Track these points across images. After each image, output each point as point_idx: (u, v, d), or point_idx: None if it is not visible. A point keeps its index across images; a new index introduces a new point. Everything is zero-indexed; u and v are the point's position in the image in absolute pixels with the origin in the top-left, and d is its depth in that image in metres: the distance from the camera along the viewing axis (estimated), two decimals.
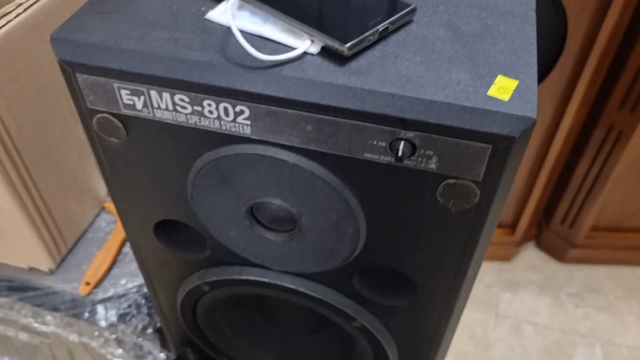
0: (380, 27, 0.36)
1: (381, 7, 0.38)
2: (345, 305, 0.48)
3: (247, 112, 0.36)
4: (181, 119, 0.38)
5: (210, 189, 0.42)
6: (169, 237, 0.51)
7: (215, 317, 0.58)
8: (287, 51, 0.35)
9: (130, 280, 0.68)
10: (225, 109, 0.36)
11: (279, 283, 0.48)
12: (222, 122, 0.37)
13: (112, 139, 0.42)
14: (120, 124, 0.40)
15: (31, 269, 0.69)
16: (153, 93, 0.37)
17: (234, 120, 0.37)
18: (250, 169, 0.39)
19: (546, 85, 1.01)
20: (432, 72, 0.35)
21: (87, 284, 0.67)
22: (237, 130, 0.37)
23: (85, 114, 0.40)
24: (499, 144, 0.33)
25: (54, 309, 0.68)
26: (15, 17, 0.54)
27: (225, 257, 0.50)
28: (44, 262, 0.67)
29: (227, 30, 0.38)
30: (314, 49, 0.36)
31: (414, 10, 0.38)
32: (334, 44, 0.35)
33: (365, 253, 0.43)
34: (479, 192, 0.36)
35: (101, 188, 0.74)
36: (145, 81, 0.36)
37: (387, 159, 0.36)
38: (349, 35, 0.35)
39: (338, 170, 0.38)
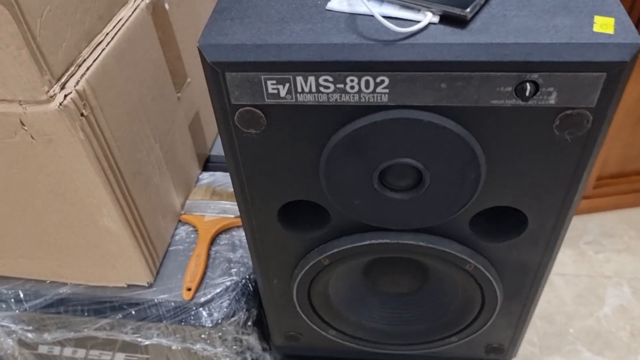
0: None
1: None
2: (460, 251, 0.54)
3: (386, 81, 0.41)
4: (322, 98, 0.43)
5: (344, 161, 0.47)
6: (291, 219, 0.56)
7: (326, 292, 0.63)
8: (412, 24, 0.41)
9: (225, 279, 0.73)
10: (367, 81, 0.42)
11: (399, 241, 0.54)
12: (362, 95, 0.43)
13: (251, 131, 0.46)
14: (262, 114, 0.45)
15: (129, 286, 0.72)
16: (299, 79, 0.42)
17: (373, 91, 0.42)
18: (385, 135, 0.45)
19: None
20: (540, 22, 0.41)
21: (189, 289, 0.70)
22: (375, 100, 0.43)
23: (228, 110, 0.45)
24: (613, 70, 0.39)
25: (158, 319, 0.71)
26: (106, 46, 0.58)
27: (344, 228, 0.55)
28: (143, 277, 0.71)
29: (350, 16, 0.43)
30: (436, 19, 0.42)
31: None
32: (455, 11, 0.41)
33: (484, 196, 0.49)
34: (591, 118, 0.42)
35: (177, 202, 0.78)
36: (293, 68, 0.42)
37: (512, 102, 0.42)
38: (464, 2, 0.41)
39: (466, 120, 0.43)
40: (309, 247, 0.57)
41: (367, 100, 0.43)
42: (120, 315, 0.71)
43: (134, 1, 0.64)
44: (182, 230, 0.78)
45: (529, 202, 0.50)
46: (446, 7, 0.41)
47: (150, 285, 0.72)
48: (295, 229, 0.56)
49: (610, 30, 0.39)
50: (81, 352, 0.81)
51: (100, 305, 0.72)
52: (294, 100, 0.44)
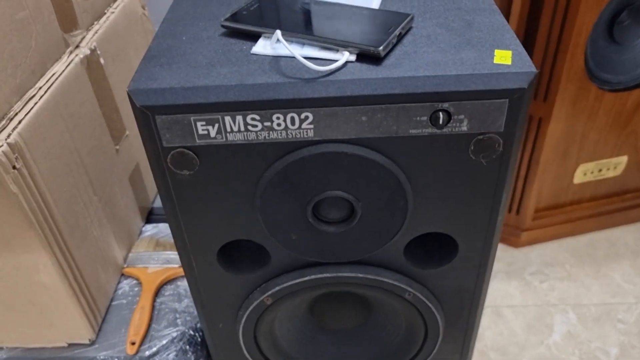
0: (397, 31, 0.46)
1: (389, 19, 0.48)
2: (398, 280, 0.56)
3: (311, 117, 0.44)
4: (251, 137, 0.45)
5: (278, 197, 0.49)
6: (231, 260, 0.56)
7: (273, 333, 0.63)
8: (331, 63, 0.44)
9: (171, 330, 0.71)
10: (292, 118, 0.44)
11: (338, 274, 0.55)
12: (289, 131, 0.45)
13: (184, 172, 0.47)
14: (194, 155, 0.46)
15: (70, 345, 0.70)
16: (227, 119, 0.44)
17: (299, 127, 0.44)
18: (314, 169, 0.47)
19: None
20: (447, 56, 0.45)
21: (133, 343, 0.69)
22: (302, 136, 0.45)
23: (160, 153, 0.46)
24: (514, 96, 0.43)
25: None
26: (39, 99, 0.58)
27: (284, 266, 0.56)
28: (85, 334, 0.69)
29: (274, 58, 0.46)
30: (353, 57, 0.45)
31: (412, 17, 0.49)
32: (370, 49, 0.44)
33: (414, 223, 0.51)
34: (502, 141, 0.45)
35: (119, 255, 0.77)
36: (221, 109, 0.43)
37: (429, 130, 0.45)
38: (377, 40, 0.45)
39: (388, 150, 0.46)
40: (252, 288, 0.58)
41: (294, 136, 0.45)
42: None
43: (68, 56, 0.65)
44: (125, 284, 0.77)
45: (456, 226, 0.52)
46: (362, 46, 0.45)
47: (92, 343, 0.70)
48: (236, 270, 0.56)
49: (509, 62, 0.43)
50: None
51: None
52: (224, 140, 0.45)
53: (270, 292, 0.56)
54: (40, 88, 0.60)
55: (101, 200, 0.71)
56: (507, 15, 1.06)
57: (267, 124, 0.44)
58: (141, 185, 0.85)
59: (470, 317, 0.62)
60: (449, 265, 0.56)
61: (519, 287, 1.41)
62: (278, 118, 0.44)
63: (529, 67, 0.43)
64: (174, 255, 0.79)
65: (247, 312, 0.58)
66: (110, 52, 0.74)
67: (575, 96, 1.23)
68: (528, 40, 1.18)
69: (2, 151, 0.52)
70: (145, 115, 0.44)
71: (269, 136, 0.45)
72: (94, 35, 0.70)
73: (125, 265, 0.78)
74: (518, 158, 1.27)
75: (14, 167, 0.54)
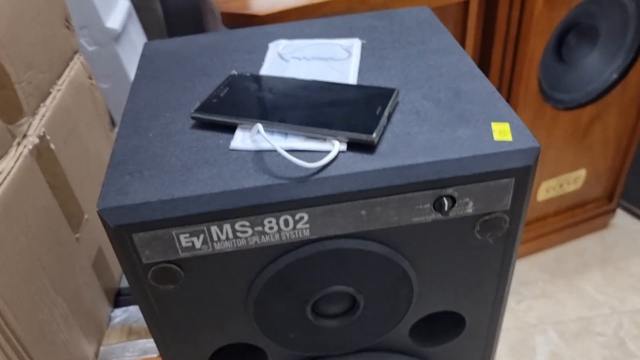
0: (387, 112, 0.43)
1: (375, 97, 0.45)
2: None
3: (306, 217, 0.40)
4: (241, 243, 0.41)
5: (273, 300, 0.44)
6: None
7: None
8: (321, 155, 0.41)
9: None
10: (286, 220, 0.40)
11: None
12: (282, 233, 0.41)
13: (168, 285, 0.43)
14: (177, 268, 0.41)
15: None
16: (214, 228, 0.39)
17: (294, 228, 0.40)
18: (312, 267, 0.43)
19: None
20: (443, 136, 0.42)
21: None
22: (297, 236, 0.41)
23: (139, 271, 0.41)
24: (520, 174, 0.40)
25: None
26: None
27: None
28: None
29: (256, 154, 0.42)
30: (343, 147, 0.41)
31: (398, 92, 0.46)
32: (362, 137, 0.41)
33: (419, 306, 0.48)
34: (508, 219, 0.43)
35: (89, 352, 0.70)
36: (206, 219, 0.39)
37: (432, 217, 0.42)
38: (367, 127, 0.41)
39: (390, 241, 0.43)
40: None
41: (288, 237, 0.41)
42: None
43: (16, 149, 0.59)
44: None
45: (463, 303, 0.49)
46: (352, 134, 0.41)
47: None
48: None
49: (509, 137, 0.41)
50: None
51: None
52: (211, 250, 0.41)
53: None
54: None
55: (66, 299, 0.65)
56: (462, 44, 1.06)
57: (259, 228, 0.40)
58: (106, 268, 0.79)
59: None
60: (457, 341, 0.52)
61: None
62: (270, 222, 0.40)
63: (532, 142, 0.41)
64: (150, 343, 0.73)
65: None
66: (61, 134, 0.68)
67: (533, 118, 1.24)
68: (483, 67, 1.19)
69: None
70: (121, 235, 0.39)
71: (260, 240, 0.41)
72: (41, 119, 0.64)
73: None
74: None
75: None
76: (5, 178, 0.56)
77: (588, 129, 1.35)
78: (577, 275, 1.48)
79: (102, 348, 0.73)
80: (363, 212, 0.40)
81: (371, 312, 0.47)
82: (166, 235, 0.39)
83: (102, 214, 0.38)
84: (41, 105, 0.67)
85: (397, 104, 0.46)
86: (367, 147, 0.41)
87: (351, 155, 0.41)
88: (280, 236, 0.41)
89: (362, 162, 0.40)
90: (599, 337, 1.33)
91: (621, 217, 1.62)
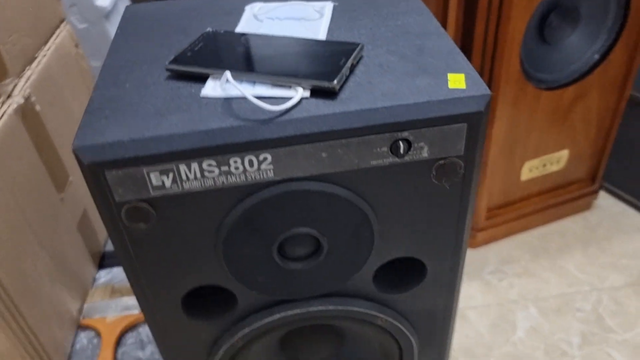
0: (349, 63, 0.45)
1: (340, 50, 0.47)
2: (369, 308, 0.55)
3: (269, 158, 0.42)
4: (209, 183, 0.43)
5: (241, 241, 0.47)
6: (196, 307, 0.54)
7: None
8: (286, 101, 0.43)
9: None
10: (250, 160, 0.42)
11: (309, 310, 0.54)
12: (248, 174, 0.43)
13: (140, 224, 0.45)
14: (149, 207, 0.44)
15: None
16: (182, 167, 0.42)
17: (258, 169, 0.43)
18: (277, 208, 0.45)
19: None
20: (403, 85, 0.44)
21: None
22: (262, 177, 0.44)
23: (113, 209, 0.44)
24: (472, 120, 0.43)
25: None
26: None
27: (252, 307, 0.54)
28: None
29: (226, 100, 0.44)
30: (307, 93, 0.44)
31: (362, 46, 0.48)
32: (324, 84, 0.43)
33: (381, 251, 0.51)
34: (463, 164, 0.45)
35: (73, 308, 0.73)
36: (175, 158, 0.41)
37: (390, 160, 0.44)
38: (330, 75, 0.44)
39: (351, 183, 0.45)
40: (220, 332, 0.55)
41: (253, 178, 0.43)
42: None
43: (0, 107, 0.62)
44: (83, 337, 0.73)
45: (423, 250, 0.52)
46: (314, 81, 0.44)
47: None
48: (202, 317, 0.54)
49: (463, 86, 0.44)
50: None
51: None
52: (180, 189, 0.43)
53: (239, 335, 0.54)
54: None
55: (50, 253, 0.67)
56: (444, 24, 1.08)
57: (225, 168, 0.42)
58: (91, 231, 0.81)
59: (443, 336, 0.61)
60: (419, 288, 0.55)
61: (479, 288, 1.43)
62: (235, 162, 0.42)
63: (484, 89, 0.43)
64: (132, 301, 0.76)
65: (218, 357, 0.56)
66: (46, 97, 0.70)
67: (515, 97, 1.26)
68: (466, 47, 1.21)
69: None
70: (94, 173, 0.41)
71: (227, 180, 0.43)
72: (26, 81, 0.67)
73: (81, 317, 0.74)
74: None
75: None
76: None
77: (570, 109, 1.37)
78: (559, 255, 1.51)
79: (85, 305, 0.76)
80: (324, 155, 0.43)
81: (335, 255, 0.49)
82: (137, 173, 0.42)
83: (77, 152, 0.41)
84: (27, 68, 0.69)
85: (361, 57, 0.48)
86: (329, 94, 0.44)
87: (314, 101, 0.44)
88: (245, 177, 0.43)
89: (323, 107, 0.43)
90: (578, 313, 1.36)
91: (604, 199, 1.65)
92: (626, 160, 1.60)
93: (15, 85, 0.65)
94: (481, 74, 1.22)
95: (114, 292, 0.77)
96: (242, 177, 0.43)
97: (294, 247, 0.50)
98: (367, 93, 0.44)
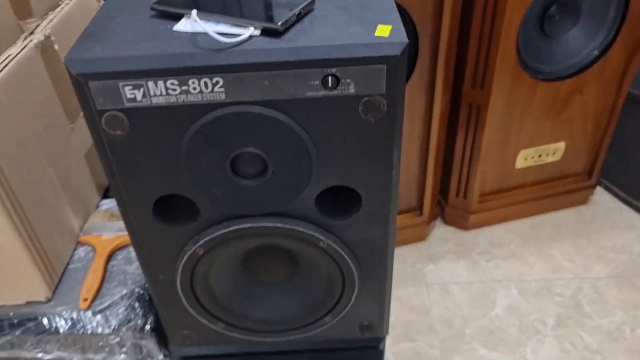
0: (297, 11, 0.54)
1: (293, 2, 0.56)
2: (312, 230, 0.64)
3: (221, 81, 0.52)
4: (172, 100, 0.53)
5: (199, 154, 0.57)
6: (166, 215, 0.64)
7: (209, 284, 0.71)
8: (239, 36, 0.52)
9: (121, 289, 0.79)
10: (205, 82, 0.52)
11: (259, 225, 0.63)
12: (203, 94, 0.53)
13: (118, 132, 0.55)
14: (124, 117, 0.54)
15: (28, 304, 0.77)
16: (150, 84, 0.52)
17: (212, 91, 0.53)
18: (228, 128, 0.55)
19: (414, 81, 1.26)
20: (339, 32, 0.53)
21: (85, 299, 0.76)
22: (215, 99, 0.53)
23: (95, 116, 0.54)
24: (390, 62, 0.51)
25: (56, 331, 0.76)
26: None
27: (213, 220, 0.64)
28: (41, 292, 0.76)
29: (192, 34, 0.54)
30: (257, 32, 0.53)
31: (313, 1, 0.57)
32: (271, 25, 0.52)
33: (320, 177, 0.60)
34: (385, 102, 0.54)
35: (75, 224, 0.84)
36: (144, 75, 0.51)
37: (322, 92, 0.53)
38: (278, 19, 0.53)
39: (290, 111, 0.54)
40: (185, 240, 0.66)
41: (208, 99, 0.53)
42: (19, 331, 0.76)
43: (22, 41, 0.73)
44: (81, 251, 0.84)
45: (357, 180, 0.61)
46: (264, 23, 0.53)
47: (49, 301, 0.77)
48: (170, 223, 0.64)
49: (386, 34, 0.52)
50: None
51: None
52: (149, 102, 0.53)
53: (200, 243, 0.64)
54: None
55: (56, 172, 0.78)
56: (440, 8, 1.15)
57: (185, 87, 0.52)
58: (97, 164, 0.93)
59: (382, 267, 0.70)
60: (356, 217, 0.64)
61: (466, 266, 1.50)
62: (193, 83, 0.52)
63: (402, 38, 0.52)
64: None
65: (183, 262, 0.66)
66: (65, 39, 0.81)
67: (510, 85, 1.32)
68: (463, 30, 1.27)
69: None
70: (80, 82, 0.52)
71: (187, 99, 0.53)
72: (48, 23, 0.78)
73: (81, 234, 0.86)
74: (437, 133, 1.33)
75: None
76: (11, 60, 0.69)
77: (567, 102, 1.42)
78: (548, 243, 1.55)
79: (86, 225, 0.87)
80: (266, 82, 0.52)
81: (280, 176, 0.59)
82: (114, 85, 0.52)
83: (67, 64, 0.51)
84: (50, 12, 0.80)
85: (311, 10, 0.57)
86: (275, 34, 0.53)
87: (262, 39, 0.53)
88: (202, 97, 0.53)
89: (268, 43, 0.52)
90: (557, 297, 1.41)
91: (601, 195, 1.68)
92: (624, 157, 1.63)
93: (38, 25, 0.76)
94: (477, 60, 1.29)
95: (112, 216, 0.88)
96: (199, 97, 0.53)
97: (245, 166, 0.59)
98: (307, 36, 0.53)
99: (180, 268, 0.67)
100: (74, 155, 0.84)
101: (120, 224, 0.87)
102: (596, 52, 1.37)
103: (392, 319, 1.35)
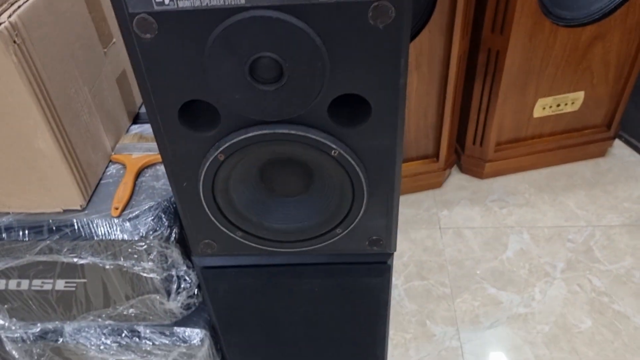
0: None
1: None
2: (324, 137, 0.68)
3: None
4: (197, 3, 0.58)
5: (219, 58, 0.61)
6: (190, 121, 0.69)
7: (229, 194, 0.77)
8: None
9: (149, 202, 0.85)
10: None
11: (275, 131, 0.68)
12: None
13: (147, 35, 0.60)
14: (153, 20, 0.59)
15: (65, 212, 0.84)
16: None
17: None
18: (247, 31, 0.59)
19: (432, 24, 1.28)
20: None
21: (116, 208, 0.83)
22: (235, 2, 0.58)
23: (127, 19, 0.59)
24: None
25: (90, 237, 0.83)
26: None
27: (233, 127, 0.69)
28: (76, 200, 0.83)
29: None
30: None
31: None
32: None
33: (332, 83, 0.64)
34: (393, 7, 0.58)
35: (107, 143, 0.91)
36: None
37: None
38: None
39: (304, 16, 0.58)
40: (207, 147, 0.71)
41: (229, 2, 0.58)
42: (57, 237, 0.83)
43: None
44: (113, 168, 0.91)
45: (367, 88, 0.65)
46: None
47: (83, 209, 0.84)
48: (194, 129, 0.69)
49: None
50: (25, 283, 0.91)
51: (39, 228, 0.83)
52: (175, 6, 0.58)
53: (222, 148, 0.69)
54: None
55: (90, 91, 0.84)
56: None
57: None
58: (128, 90, 0.99)
59: (389, 178, 0.74)
60: (366, 125, 0.68)
61: (480, 212, 1.53)
62: None
63: None
64: (154, 145, 0.93)
65: (205, 168, 0.72)
66: None
67: (531, 30, 1.34)
68: None
69: (4, 27, 0.65)
70: None
71: (210, 3, 0.58)
72: None
73: (112, 153, 0.92)
74: (455, 78, 1.35)
75: (14, 42, 0.67)
76: None
77: (588, 49, 1.43)
78: (563, 193, 1.58)
79: (117, 145, 0.93)
80: None
81: (295, 82, 0.63)
82: None
83: None
84: None
85: None
86: None
87: None
88: (223, 1, 0.57)
89: None
90: (568, 243, 1.45)
91: (620, 148, 1.69)
92: None
93: None
94: (497, 4, 1.30)
95: (142, 138, 0.95)
96: (221, 1, 0.57)
97: (262, 71, 0.64)
98: None
99: (203, 174, 0.72)
100: (106, 78, 0.90)
101: (149, 145, 0.93)
102: None
103: (404, 258, 1.40)
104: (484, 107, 1.49)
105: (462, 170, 1.66)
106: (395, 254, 1.33)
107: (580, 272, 1.38)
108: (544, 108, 1.53)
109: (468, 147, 1.60)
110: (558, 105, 1.54)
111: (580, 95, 1.53)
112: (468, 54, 1.40)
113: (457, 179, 1.64)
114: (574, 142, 1.63)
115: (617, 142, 1.71)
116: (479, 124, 1.53)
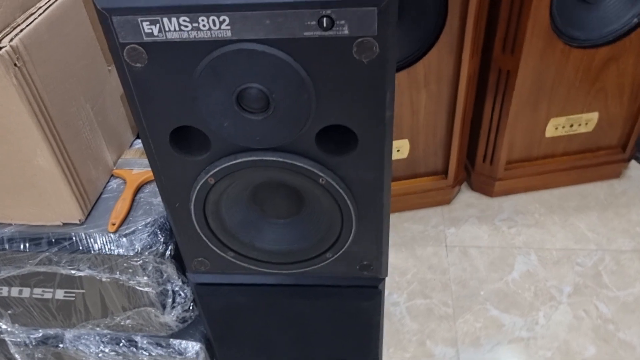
0: None
1: None
2: (312, 166, 0.69)
3: (227, 20, 0.57)
4: (184, 35, 0.59)
5: (208, 87, 0.62)
6: (181, 145, 0.71)
7: (220, 215, 0.78)
8: None
9: (146, 218, 0.87)
10: (213, 20, 0.58)
11: (263, 158, 0.69)
12: (212, 31, 0.58)
13: (138, 65, 0.62)
14: (143, 50, 0.60)
15: (64, 225, 0.86)
16: (165, 20, 0.58)
17: (219, 28, 0.58)
18: (234, 63, 0.60)
19: (442, 42, 1.28)
20: None
21: (113, 224, 0.85)
22: (222, 36, 0.59)
23: (118, 48, 0.61)
24: (380, 5, 0.55)
25: (88, 250, 0.85)
26: (38, 16, 0.73)
27: (223, 152, 0.70)
28: (75, 215, 0.85)
29: None
30: None
31: None
32: None
33: (319, 115, 0.65)
34: (377, 44, 0.58)
35: (109, 158, 0.93)
36: (160, 12, 0.57)
37: (318, 32, 0.58)
38: None
39: (289, 49, 0.59)
40: (198, 170, 0.72)
41: (216, 35, 0.59)
42: (56, 249, 0.85)
43: None
44: (114, 183, 0.93)
45: (353, 119, 0.65)
46: None
47: (82, 223, 0.86)
48: (185, 153, 0.71)
49: None
50: (26, 291, 0.94)
51: (38, 241, 0.86)
52: (164, 37, 0.59)
53: (212, 172, 0.71)
54: (40, 7, 0.75)
55: (93, 108, 0.87)
56: None
57: (195, 24, 0.58)
58: None
59: (378, 207, 0.75)
60: (353, 154, 0.69)
61: (488, 231, 1.52)
62: (203, 20, 0.58)
63: None
64: None
65: (196, 190, 0.73)
66: None
67: (542, 51, 1.32)
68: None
69: (5, 50, 0.67)
70: (104, 16, 0.58)
71: (197, 35, 0.59)
72: None
73: (114, 168, 0.94)
74: (464, 96, 1.32)
75: (15, 65, 0.69)
76: (55, 1, 0.77)
77: (602, 70, 1.40)
78: (574, 214, 1.55)
79: (119, 160, 0.96)
80: (268, 22, 0.57)
81: (282, 112, 0.64)
82: (134, 20, 0.58)
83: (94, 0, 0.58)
84: None
85: None
86: None
87: None
88: (210, 34, 0.59)
89: None
90: (577, 267, 1.42)
91: (635, 169, 1.66)
92: None
93: None
94: (508, 24, 1.29)
95: (143, 154, 0.97)
96: (208, 34, 0.59)
97: (249, 101, 0.65)
98: None
99: (194, 196, 0.74)
100: (110, 95, 0.92)
101: None
102: (636, 20, 1.35)
103: (409, 276, 1.40)
104: (494, 126, 1.47)
105: (472, 188, 1.65)
106: (400, 270, 1.34)
107: (587, 297, 1.35)
108: (556, 128, 1.51)
109: (478, 165, 1.59)
110: (571, 126, 1.51)
111: (594, 116, 1.51)
112: (479, 72, 1.39)
113: (466, 197, 1.63)
114: (588, 163, 1.60)
115: (633, 164, 1.68)
116: (489, 142, 1.52)
